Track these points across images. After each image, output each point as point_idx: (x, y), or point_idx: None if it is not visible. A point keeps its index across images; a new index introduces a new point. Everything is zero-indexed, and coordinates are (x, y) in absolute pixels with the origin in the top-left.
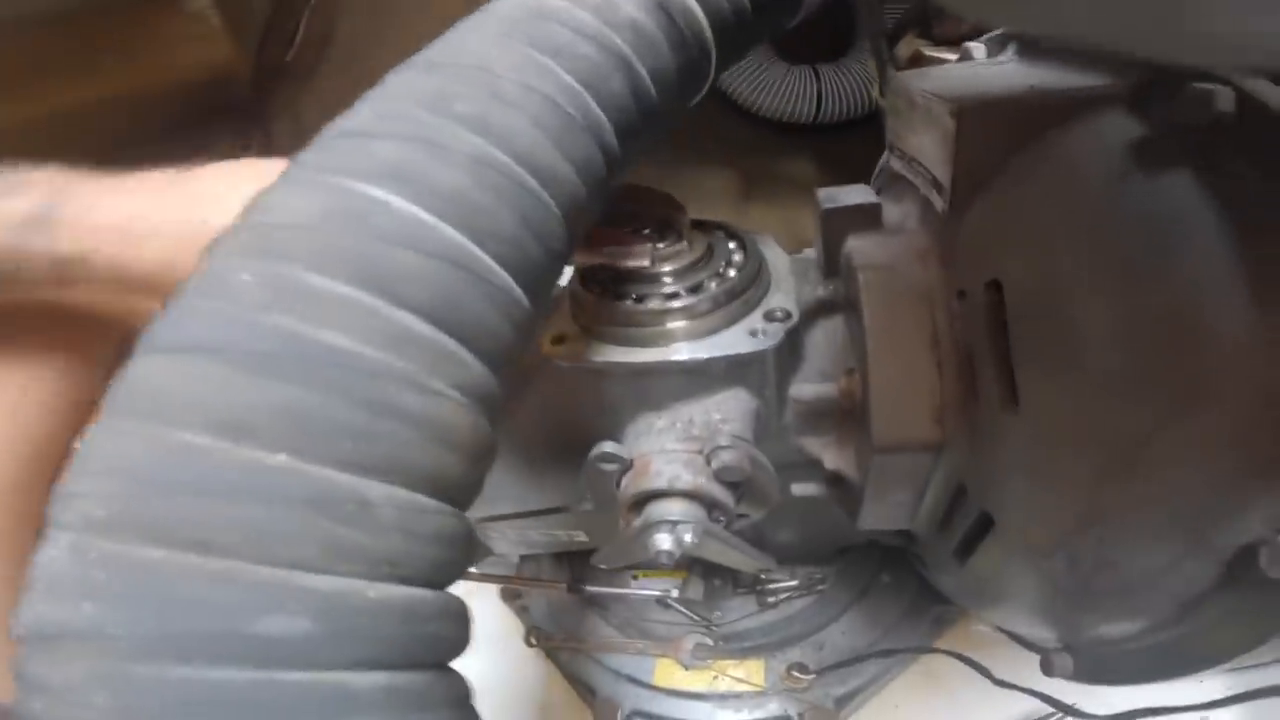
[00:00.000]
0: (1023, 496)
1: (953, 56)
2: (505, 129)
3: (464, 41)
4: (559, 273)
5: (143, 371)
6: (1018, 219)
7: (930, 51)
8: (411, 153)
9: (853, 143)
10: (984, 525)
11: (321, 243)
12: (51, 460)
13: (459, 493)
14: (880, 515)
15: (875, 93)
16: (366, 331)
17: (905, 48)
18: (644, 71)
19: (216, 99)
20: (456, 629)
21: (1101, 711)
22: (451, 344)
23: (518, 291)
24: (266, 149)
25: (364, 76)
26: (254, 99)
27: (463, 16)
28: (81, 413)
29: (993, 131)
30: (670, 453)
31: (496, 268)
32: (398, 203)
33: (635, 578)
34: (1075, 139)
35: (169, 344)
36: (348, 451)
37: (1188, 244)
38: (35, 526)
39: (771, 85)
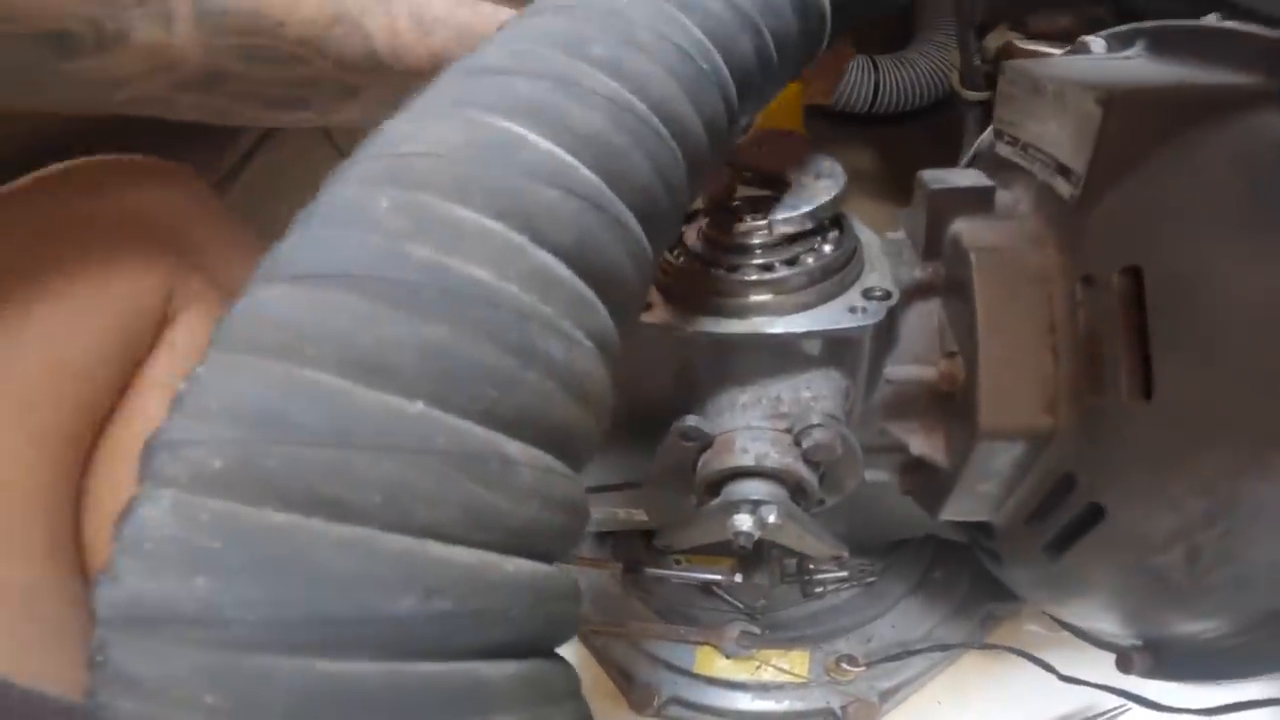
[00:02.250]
0: (1146, 488)
1: (1053, 50)
2: (641, 75)
3: None
4: (679, 225)
5: (266, 300)
6: (1163, 207)
7: (1024, 44)
8: (549, 92)
9: (908, 133)
10: (1090, 518)
11: (464, 173)
12: (99, 411)
13: (584, 454)
14: (965, 506)
15: (955, 82)
16: (511, 269)
17: (995, 39)
18: (768, 34)
19: None
20: (574, 610)
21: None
22: (588, 290)
23: (646, 241)
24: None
25: None
26: None
27: None
28: (131, 357)
29: (1138, 122)
30: (756, 430)
31: (629, 214)
32: (537, 139)
33: (678, 562)
34: (1227, 133)
35: (298, 270)
36: (492, 401)
37: None
38: (75, 489)
39: None
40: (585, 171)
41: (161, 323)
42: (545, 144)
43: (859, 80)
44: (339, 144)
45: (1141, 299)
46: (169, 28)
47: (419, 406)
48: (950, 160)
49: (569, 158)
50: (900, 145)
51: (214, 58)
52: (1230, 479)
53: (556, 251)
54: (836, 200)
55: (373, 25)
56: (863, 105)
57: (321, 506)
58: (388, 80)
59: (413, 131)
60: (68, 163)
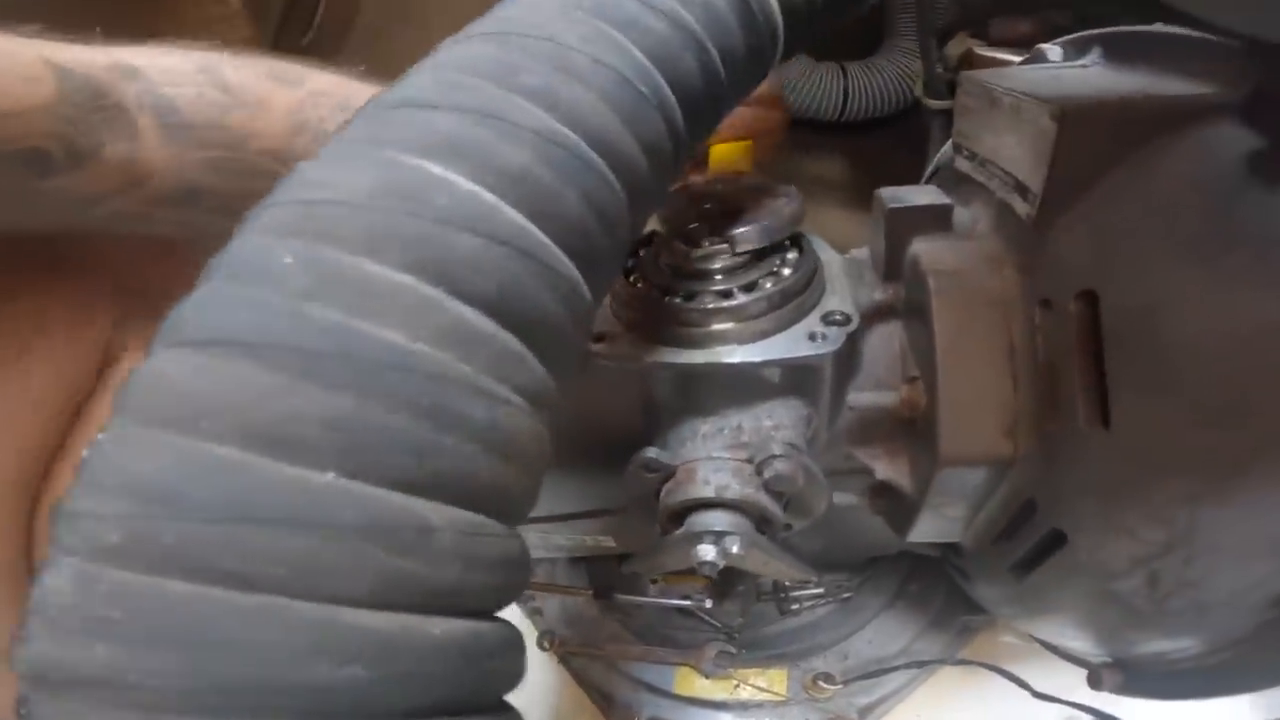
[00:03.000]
0: (1104, 515)
1: (1011, 58)
2: (574, 105)
3: (529, 11)
4: (621, 262)
5: (164, 368)
6: (1120, 230)
7: (985, 52)
8: (474, 127)
9: (878, 140)
10: (1053, 543)
11: (374, 223)
12: (45, 451)
13: (517, 510)
14: (932, 529)
15: (918, 91)
16: (425, 327)
17: (955, 47)
18: (714, 51)
19: None
20: (516, 661)
21: None
22: (514, 342)
23: (581, 283)
24: None
25: (381, 62)
26: None
27: (482, 7)
28: (74, 396)
29: (1095, 137)
30: (717, 460)
31: (562, 256)
32: (458, 180)
33: (654, 583)
34: (1186, 149)
35: (196, 336)
36: (406, 469)
37: None
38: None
39: (797, 81)
40: (510, 213)
41: (105, 361)
42: (466, 185)
43: (828, 88)
44: None
45: (1098, 325)
46: (136, 143)
47: (328, 477)
48: (921, 167)
49: (492, 198)
50: (871, 153)
51: (184, 172)
52: (1185, 510)
53: (477, 303)
54: (794, 216)
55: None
56: (832, 113)
57: (225, 578)
58: None
59: (324, 176)
60: None
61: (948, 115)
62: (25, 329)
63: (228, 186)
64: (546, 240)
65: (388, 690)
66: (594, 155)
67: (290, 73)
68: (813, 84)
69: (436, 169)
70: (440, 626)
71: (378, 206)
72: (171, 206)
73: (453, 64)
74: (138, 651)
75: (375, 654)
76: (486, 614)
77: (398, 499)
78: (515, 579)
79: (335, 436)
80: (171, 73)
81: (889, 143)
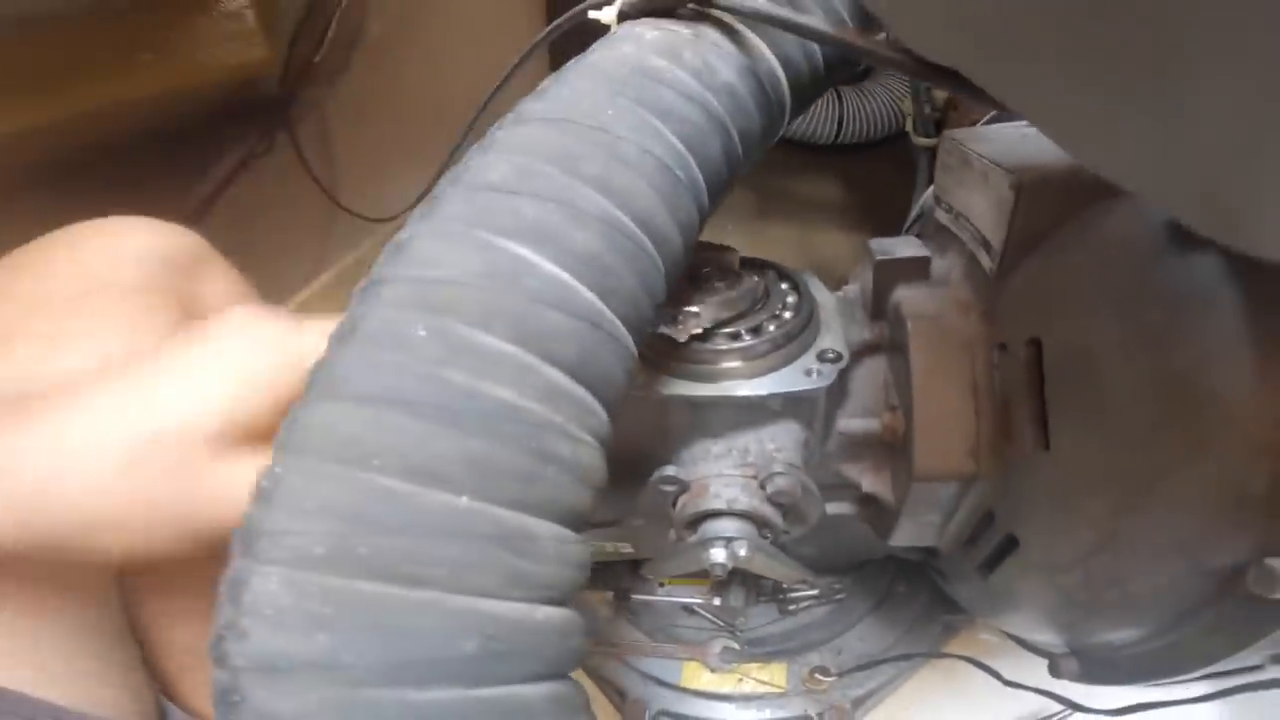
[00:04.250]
0: (1047, 523)
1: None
2: (627, 191)
3: (579, 98)
4: (656, 322)
5: (330, 416)
6: (1060, 285)
7: None
8: (551, 213)
9: (872, 164)
10: (1008, 546)
11: (484, 301)
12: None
13: (586, 522)
14: (911, 534)
15: (909, 128)
16: (528, 387)
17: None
18: (736, 134)
19: (245, 98)
20: (583, 641)
21: (1100, 709)
22: (589, 397)
23: (632, 346)
24: (290, 148)
25: (390, 79)
26: (280, 99)
27: (490, 26)
28: None
29: (1047, 203)
30: (727, 477)
31: (620, 326)
32: (543, 263)
33: (662, 585)
34: (1118, 214)
35: (356, 392)
36: (518, 493)
37: (1206, 319)
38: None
39: None
40: (584, 291)
41: None
42: (550, 267)
43: (823, 112)
44: (315, 174)
45: (1041, 366)
46: None
47: (465, 501)
48: (909, 190)
49: (571, 279)
50: (866, 175)
51: None
52: (1109, 517)
53: (562, 367)
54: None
55: None
56: (828, 136)
57: (402, 579)
58: None
59: (435, 255)
60: (75, 226)
61: (933, 152)
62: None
63: None
64: (610, 314)
65: (512, 659)
66: (643, 236)
67: None
68: (809, 110)
69: (526, 252)
70: (542, 612)
71: (485, 286)
72: None
73: (521, 149)
74: (350, 638)
75: (504, 633)
76: (567, 603)
77: (514, 515)
78: (585, 575)
79: (468, 469)
80: None
81: (884, 165)
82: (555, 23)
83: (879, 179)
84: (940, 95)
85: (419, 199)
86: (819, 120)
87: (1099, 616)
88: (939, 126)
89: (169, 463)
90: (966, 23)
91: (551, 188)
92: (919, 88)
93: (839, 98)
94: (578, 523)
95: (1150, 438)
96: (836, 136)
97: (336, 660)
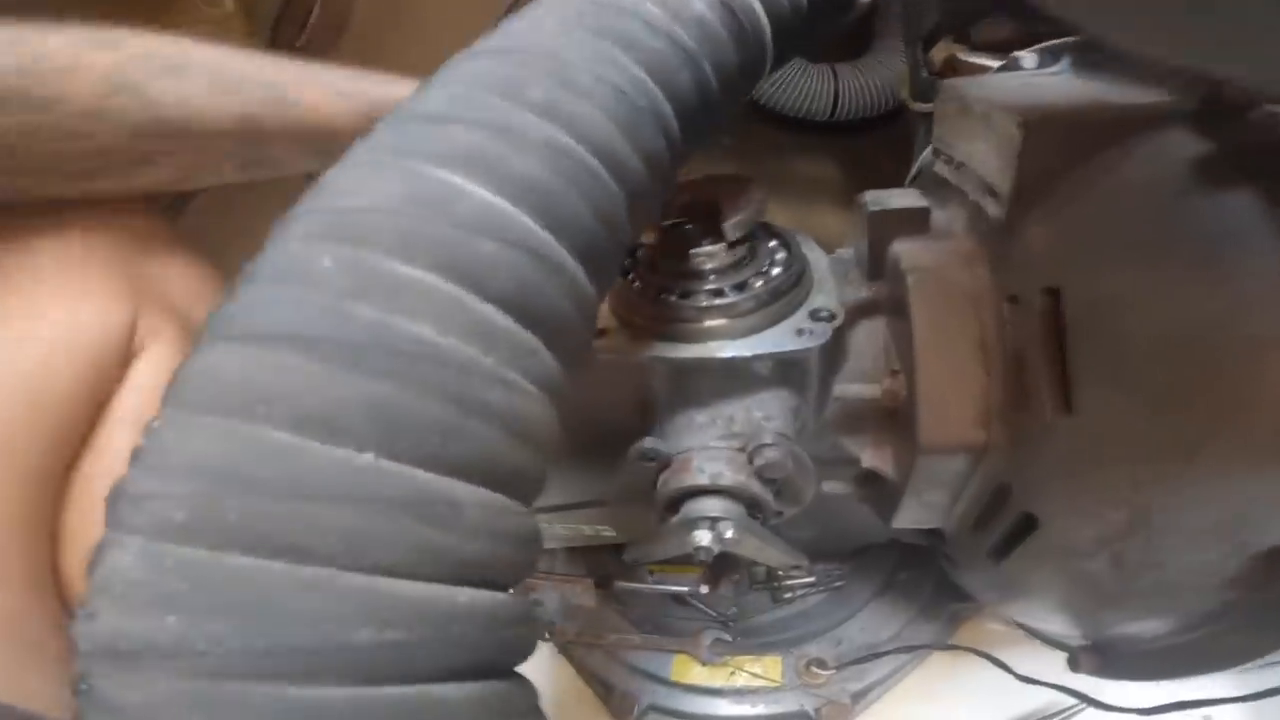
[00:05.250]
0: (1071, 499)
1: (992, 63)
2: (577, 117)
3: (533, 29)
4: (620, 264)
5: (217, 360)
6: (1079, 230)
7: (967, 57)
8: (487, 139)
9: (868, 142)
10: (1025, 526)
11: (404, 228)
12: (72, 446)
13: (531, 490)
14: (915, 515)
15: (904, 94)
16: (453, 324)
17: (939, 52)
18: (708, 67)
19: None
20: (530, 632)
21: (1127, 707)
22: (530, 337)
23: (587, 282)
24: None
25: (375, 65)
26: None
27: (476, 12)
28: (100, 392)
29: (1057, 144)
30: (711, 450)
31: (570, 258)
32: (476, 190)
33: (651, 573)
34: (1140, 154)
35: (247, 330)
36: (436, 450)
37: (1241, 261)
38: (50, 520)
39: (788, 83)
40: (524, 219)
41: (128, 356)
42: (484, 194)
43: (819, 89)
44: None
45: (1061, 320)
46: None
47: (368, 458)
48: (909, 167)
49: (508, 206)
50: (862, 153)
51: None
52: (1142, 493)
53: (497, 302)
54: (764, 199)
55: (158, 92)
56: (823, 114)
57: (283, 552)
58: (190, 143)
59: (353, 184)
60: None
61: (931, 118)
62: (58, 330)
63: (44, 149)
64: (556, 243)
65: (420, 653)
66: (597, 164)
67: (109, 36)
68: (804, 85)
69: (456, 179)
70: (466, 595)
71: (406, 213)
72: None
73: (462, 79)
74: (205, 621)
75: (411, 620)
76: (504, 587)
77: (430, 477)
78: (530, 554)
79: (376, 420)
80: None
81: (878, 143)
82: None
83: (875, 156)
84: (937, 59)
85: None
86: (814, 97)
87: (1125, 606)
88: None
89: None
90: None
91: (489, 114)
92: (915, 52)
93: (834, 75)
94: (519, 489)
95: (1183, 398)
96: (832, 114)
97: (188, 646)
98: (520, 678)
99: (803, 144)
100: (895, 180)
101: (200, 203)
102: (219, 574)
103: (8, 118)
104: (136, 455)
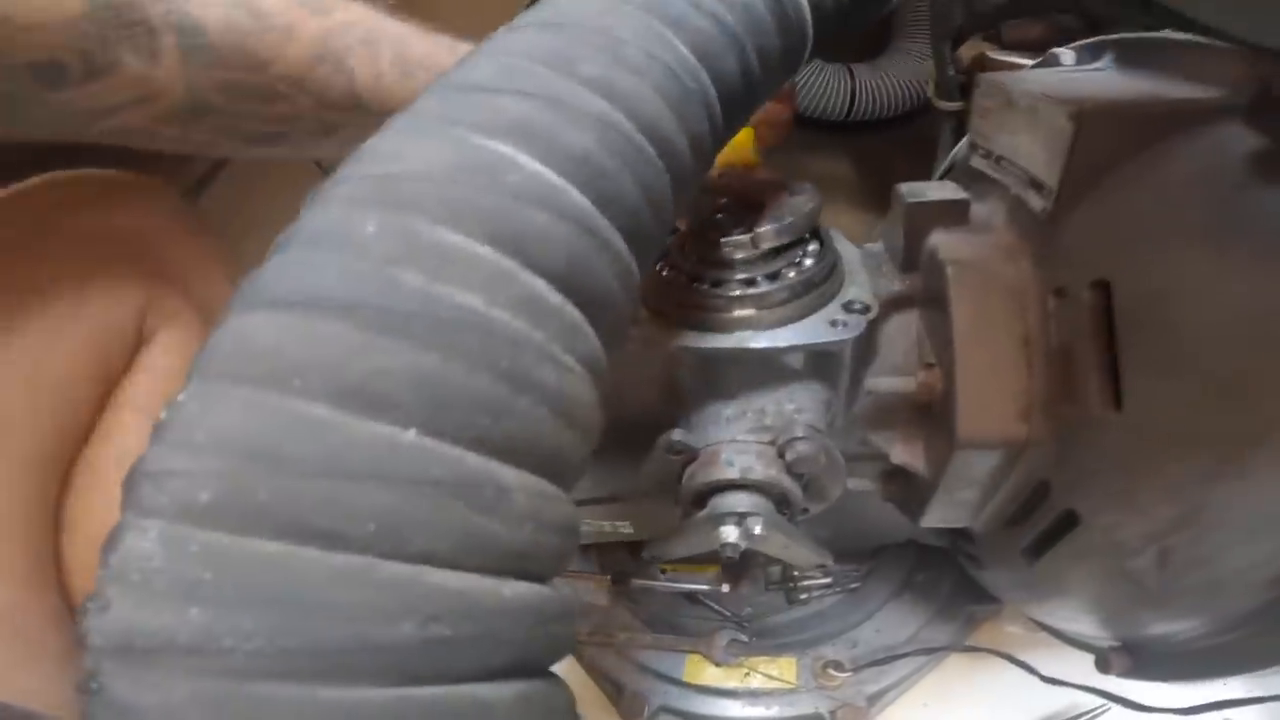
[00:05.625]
0: (1118, 495)
1: (1024, 61)
2: (629, 94)
3: (582, 4)
4: (663, 244)
5: (249, 327)
6: (1131, 222)
7: (998, 55)
8: (539, 110)
9: (884, 141)
10: (1065, 524)
11: (453, 195)
12: (76, 431)
13: (574, 476)
14: (945, 513)
15: (930, 93)
16: (503, 295)
17: (968, 50)
18: (752, 51)
19: None
20: (570, 628)
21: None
22: (577, 314)
23: (633, 261)
24: None
25: None
26: None
27: (491, 4)
28: (107, 376)
29: (1110, 136)
30: (741, 443)
31: (619, 237)
32: (527, 160)
33: (664, 571)
34: (1194, 148)
35: (281, 297)
36: (484, 429)
37: None
38: (52, 509)
39: (805, 81)
40: (575, 194)
41: (138, 341)
42: (535, 165)
43: (835, 88)
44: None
45: (1110, 312)
46: (156, 61)
47: (411, 435)
48: (926, 168)
49: (559, 179)
50: (877, 153)
51: (197, 92)
52: (1196, 487)
53: (547, 276)
54: (814, 212)
55: (356, 66)
56: (839, 113)
57: (315, 537)
58: (366, 120)
59: (399, 150)
60: (41, 177)
61: (958, 117)
62: (62, 309)
63: (240, 109)
64: (605, 220)
65: (464, 651)
66: (645, 142)
67: (318, 1)
68: (821, 84)
69: (506, 148)
70: (510, 588)
71: (455, 180)
72: (179, 125)
73: (514, 50)
74: (232, 614)
75: (456, 614)
76: (546, 578)
77: (477, 459)
78: (572, 543)
79: (421, 394)
80: None
81: (895, 143)
82: None
83: (891, 156)
84: (965, 57)
85: None
86: (831, 96)
87: (1166, 605)
88: (964, 90)
89: None
90: None
91: (542, 85)
92: (942, 50)
93: (851, 74)
94: (563, 475)
95: (1244, 389)
96: (848, 113)
97: (212, 642)
98: (556, 677)
99: (818, 142)
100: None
101: (217, 188)
102: (247, 561)
103: (216, 72)
104: (158, 430)
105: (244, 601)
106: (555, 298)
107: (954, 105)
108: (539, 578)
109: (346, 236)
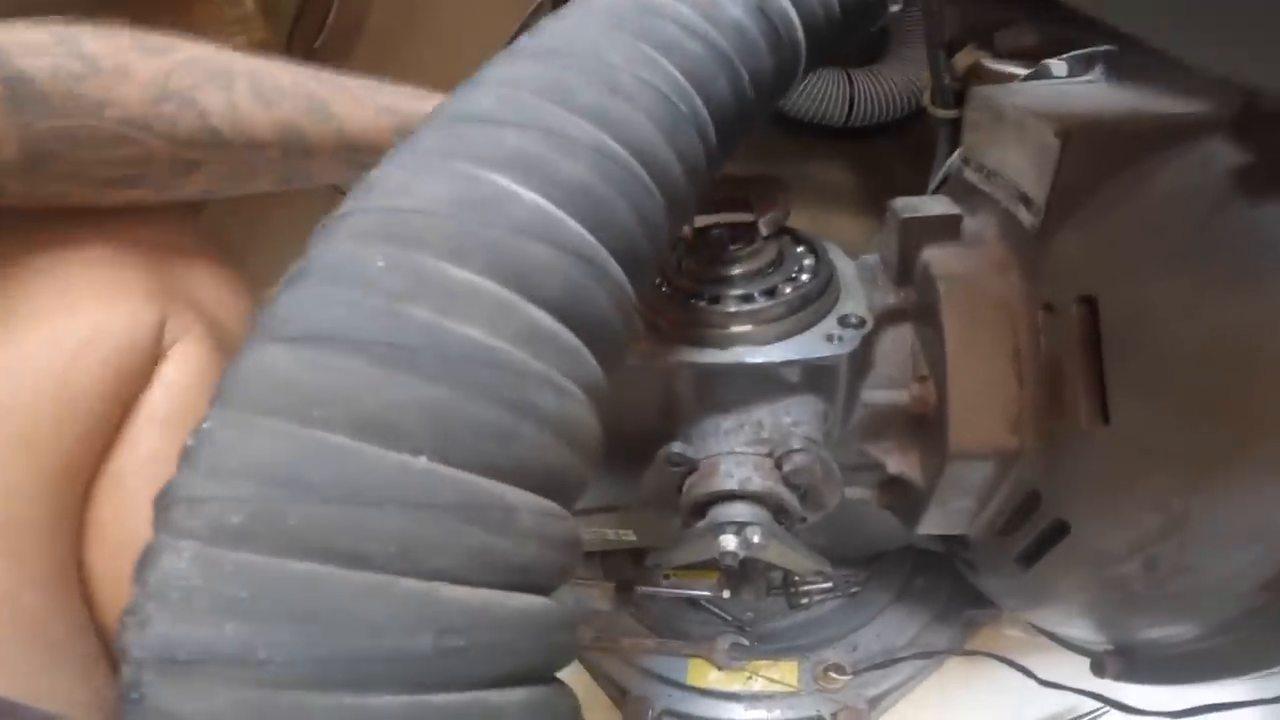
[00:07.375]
0: (1105, 505)
1: (1018, 70)
2: (623, 122)
3: (575, 31)
4: (657, 269)
5: (270, 361)
6: (1116, 239)
7: (992, 64)
8: (536, 142)
9: (883, 147)
10: (1056, 532)
11: (456, 231)
12: (99, 443)
13: (575, 494)
14: (940, 521)
15: (926, 101)
16: (505, 327)
17: (963, 59)
18: (745, 72)
19: None
20: (572, 636)
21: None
22: (576, 341)
23: (629, 287)
24: None
25: (392, 66)
26: None
27: (496, 13)
28: (128, 389)
29: (1095, 153)
30: (739, 455)
31: (614, 263)
32: (526, 193)
33: (666, 577)
34: (1177, 164)
35: (300, 332)
36: (490, 454)
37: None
38: (77, 518)
39: (803, 87)
40: (572, 224)
41: (156, 355)
42: (533, 198)
43: (834, 94)
44: None
45: (1098, 328)
46: None
47: (423, 462)
48: (925, 174)
49: (556, 211)
50: (876, 159)
51: (33, 143)
52: (1181, 498)
53: (546, 306)
54: (789, 197)
55: (205, 101)
56: (838, 118)
57: (339, 557)
58: (231, 154)
59: (404, 184)
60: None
61: (954, 124)
62: (87, 327)
63: (82, 155)
64: (601, 248)
65: (477, 659)
66: (640, 169)
67: (156, 42)
68: (819, 90)
69: (506, 182)
70: (518, 601)
71: (458, 216)
72: (19, 176)
73: (510, 81)
74: (267, 629)
75: (468, 625)
76: (549, 591)
77: (485, 482)
78: (574, 559)
79: (432, 424)
80: (28, 45)
81: (895, 148)
82: None
83: (890, 162)
84: (960, 65)
85: None
86: (829, 102)
87: (1155, 610)
88: (959, 98)
89: None
90: None
91: (538, 117)
92: (938, 58)
93: (849, 80)
94: (565, 494)
95: (1220, 406)
96: (847, 119)
97: (249, 654)
98: (562, 683)
99: (817, 149)
100: (910, 186)
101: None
102: (278, 580)
103: (51, 121)
104: (188, 456)
105: (277, 617)
106: (554, 326)
107: (950, 113)
108: (543, 590)
109: (356, 271)
